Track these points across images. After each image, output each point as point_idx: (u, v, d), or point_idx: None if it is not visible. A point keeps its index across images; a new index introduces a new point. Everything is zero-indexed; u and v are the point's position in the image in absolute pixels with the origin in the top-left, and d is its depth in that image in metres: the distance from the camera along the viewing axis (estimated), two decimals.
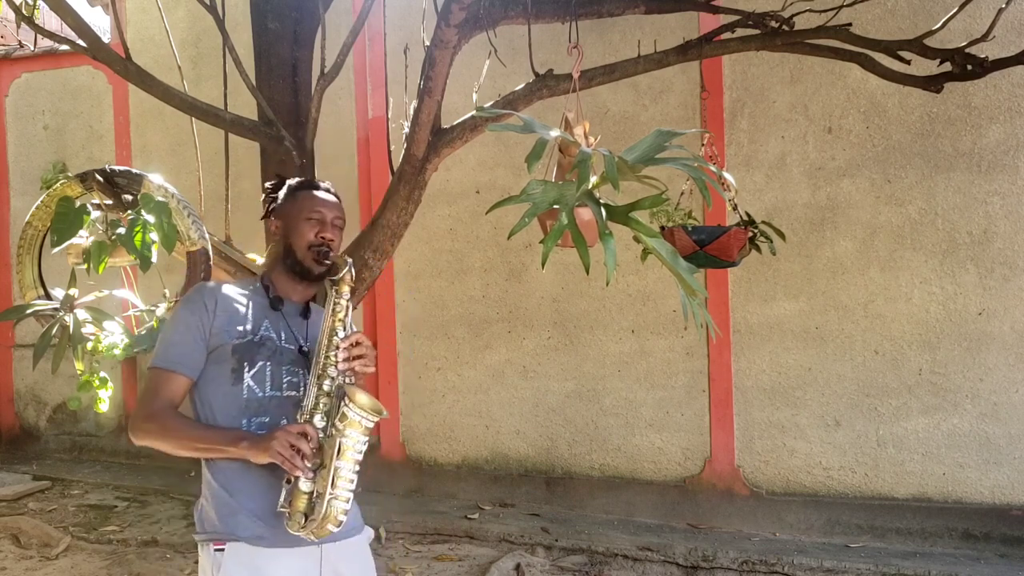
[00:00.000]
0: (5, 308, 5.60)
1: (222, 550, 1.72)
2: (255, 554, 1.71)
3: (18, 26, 6.00)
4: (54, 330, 2.76)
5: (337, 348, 1.71)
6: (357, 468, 1.64)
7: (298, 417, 1.70)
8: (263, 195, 2.03)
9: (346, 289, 1.76)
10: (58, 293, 2.90)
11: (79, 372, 2.83)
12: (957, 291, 4.32)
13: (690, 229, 2.74)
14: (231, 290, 1.88)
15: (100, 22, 7.01)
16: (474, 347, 5.19)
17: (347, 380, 1.71)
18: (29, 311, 2.83)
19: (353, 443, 1.61)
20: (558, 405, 5.02)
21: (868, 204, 4.46)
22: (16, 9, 2.99)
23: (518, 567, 4.02)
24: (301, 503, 1.62)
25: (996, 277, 4.26)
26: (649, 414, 4.84)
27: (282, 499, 1.65)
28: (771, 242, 2.85)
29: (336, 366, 1.71)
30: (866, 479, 4.45)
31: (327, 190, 1.98)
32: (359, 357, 1.72)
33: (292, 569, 1.74)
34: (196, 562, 4.20)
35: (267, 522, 1.72)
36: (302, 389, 1.80)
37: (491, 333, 5.15)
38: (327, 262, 1.84)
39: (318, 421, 1.67)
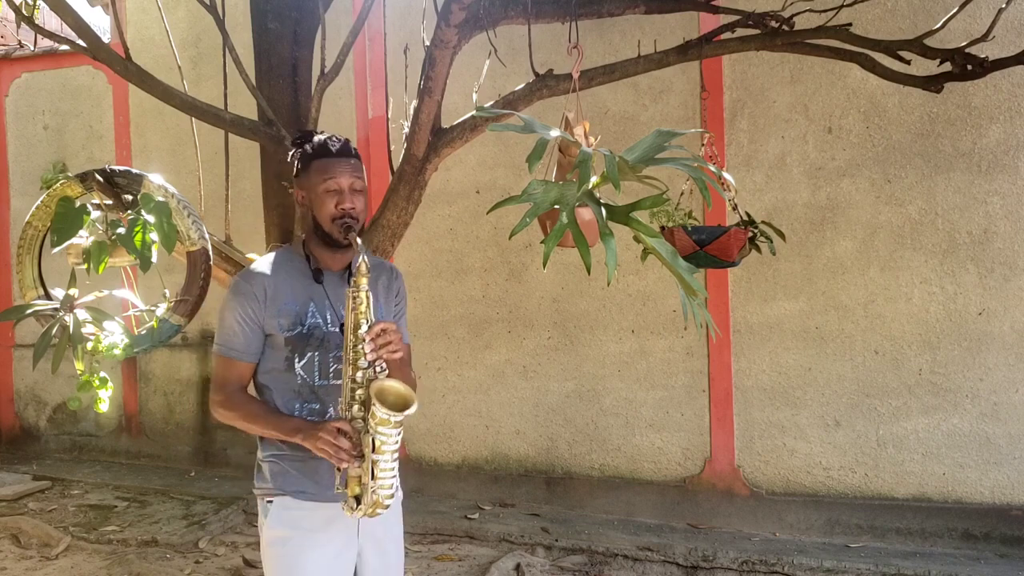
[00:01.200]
0: (5, 308, 5.60)
1: (271, 502, 1.97)
2: (298, 506, 1.94)
3: (18, 26, 6.00)
4: (54, 330, 2.76)
5: (363, 341, 1.80)
6: (396, 456, 1.78)
7: (340, 409, 1.86)
8: (291, 153, 2.05)
9: (363, 281, 1.83)
10: (58, 293, 2.90)
11: (79, 372, 2.83)
12: (957, 291, 4.32)
13: (690, 229, 2.74)
14: (277, 272, 1.99)
15: (100, 22, 7.01)
16: (474, 347, 5.18)
17: (378, 369, 1.81)
18: (29, 311, 2.83)
19: (385, 438, 1.75)
20: (558, 405, 5.01)
21: (868, 204, 4.46)
22: (16, 9, 2.99)
23: (518, 567, 4.02)
24: (354, 487, 1.79)
25: (996, 277, 4.26)
26: (649, 414, 4.84)
27: (338, 481, 1.83)
28: (771, 242, 2.85)
29: (365, 357, 1.80)
30: (866, 479, 4.45)
31: (342, 150, 1.98)
32: (385, 345, 1.80)
33: (330, 521, 1.94)
34: (196, 562, 4.24)
35: (311, 480, 1.94)
36: None
37: (491, 333, 5.15)
38: (353, 234, 1.91)
39: (356, 411, 1.81)
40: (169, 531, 4.53)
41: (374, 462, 1.74)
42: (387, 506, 1.78)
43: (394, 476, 1.79)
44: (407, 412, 1.73)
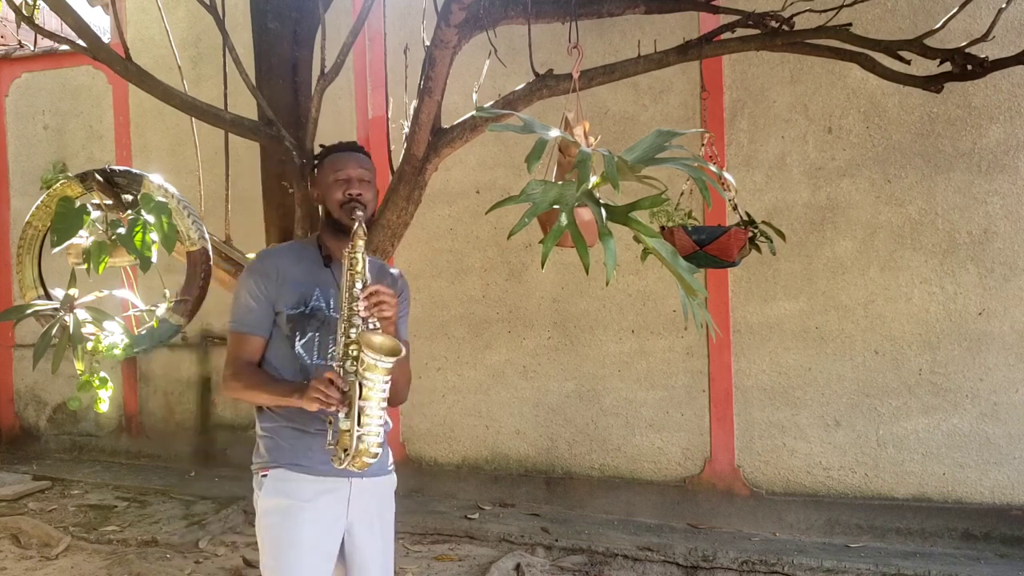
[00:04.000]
0: (5, 308, 5.60)
1: (266, 475, 2.06)
2: (290, 478, 2.03)
3: (18, 26, 6.00)
4: (54, 330, 2.76)
5: (357, 300, 1.89)
6: (384, 405, 1.84)
7: (333, 365, 1.93)
8: (312, 167, 2.23)
9: (360, 243, 1.92)
10: (58, 293, 2.90)
11: (79, 372, 2.83)
12: (957, 291, 4.32)
13: (690, 229, 2.74)
14: (289, 257, 2.14)
15: (100, 22, 7.00)
16: (474, 347, 5.18)
17: (371, 327, 1.90)
18: (29, 311, 2.83)
19: (373, 384, 1.81)
20: (558, 405, 5.01)
21: (868, 204, 4.46)
22: (16, 9, 2.99)
23: (518, 567, 4.02)
24: (344, 440, 1.83)
25: (996, 277, 4.26)
26: (649, 414, 4.84)
27: (329, 437, 1.88)
28: (771, 242, 2.85)
29: (359, 315, 1.89)
30: (866, 479, 4.45)
31: (351, 148, 2.18)
32: (378, 304, 1.89)
33: (321, 494, 2.02)
34: (196, 562, 4.23)
35: (304, 454, 2.03)
36: None
37: (491, 333, 5.15)
38: (359, 214, 2.01)
39: (349, 365, 1.87)
40: (169, 531, 4.53)
41: (360, 408, 1.80)
42: (375, 455, 1.83)
43: (380, 426, 1.84)
44: (393, 358, 1.81)
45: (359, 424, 1.81)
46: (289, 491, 2.02)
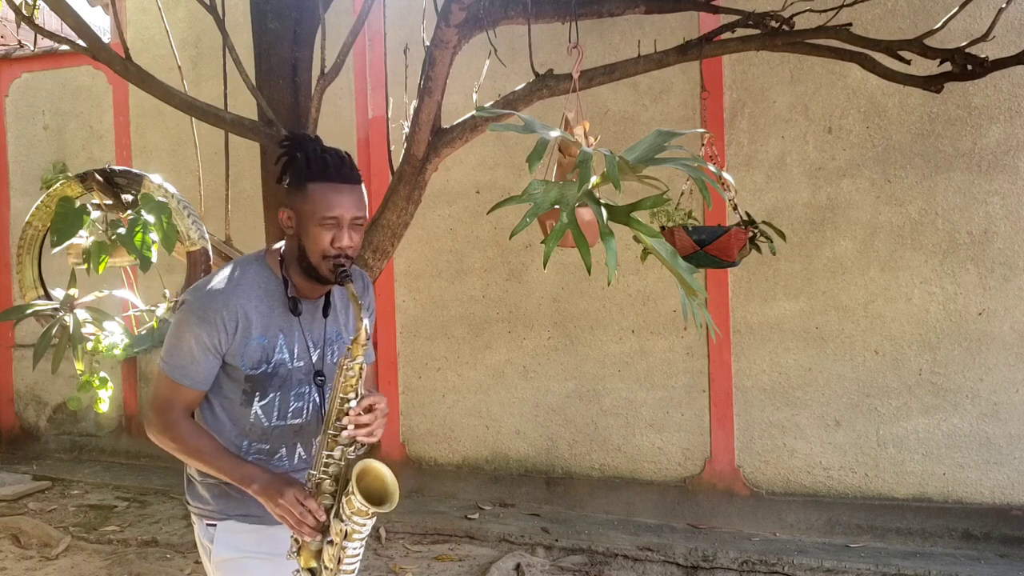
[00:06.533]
0: (5, 308, 5.60)
1: (214, 526, 1.83)
2: (243, 530, 1.81)
3: (18, 26, 6.00)
4: (54, 330, 2.76)
5: (347, 415, 1.66)
6: (364, 543, 1.67)
7: (307, 480, 1.69)
8: (278, 157, 1.79)
9: (360, 353, 1.65)
10: (58, 293, 2.90)
11: (79, 372, 2.83)
12: (957, 291, 4.32)
13: (690, 229, 2.74)
14: (249, 299, 1.75)
15: (100, 22, 7.01)
16: (474, 347, 5.18)
17: (357, 449, 1.69)
18: (29, 311, 2.84)
19: (358, 527, 1.61)
20: (558, 405, 5.01)
21: (868, 204, 4.46)
22: (16, 9, 2.99)
23: (518, 567, 4.02)
24: (310, 560, 1.66)
25: (996, 277, 4.26)
26: (649, 414, 4.84)
27: (290, 548, 1.68)
28: (771, 242, 2.85)
29: (347, 430, 1.67)
30: (866, 479, 4.45)
31: (345, 176, 1.72)
32: (365, 425, 1.66)
33: (277, 540, 1.79)
34: (196, 562, 4.21)
35: (256, 503, 1.74)
36: (306, 414, 1.84)
37: (491, 333, 5.15)
38: (344, 276, 1.69)
39: (327, 485, 1.67)
40: (169, 531, 4.53)
41: (343, 548, 1.61)
42: None
43: (359, 560, 1.66)
44: (386, 508, 1.59)
45: (338, 563, 1.62)
46: (242, 544, 1.81)
